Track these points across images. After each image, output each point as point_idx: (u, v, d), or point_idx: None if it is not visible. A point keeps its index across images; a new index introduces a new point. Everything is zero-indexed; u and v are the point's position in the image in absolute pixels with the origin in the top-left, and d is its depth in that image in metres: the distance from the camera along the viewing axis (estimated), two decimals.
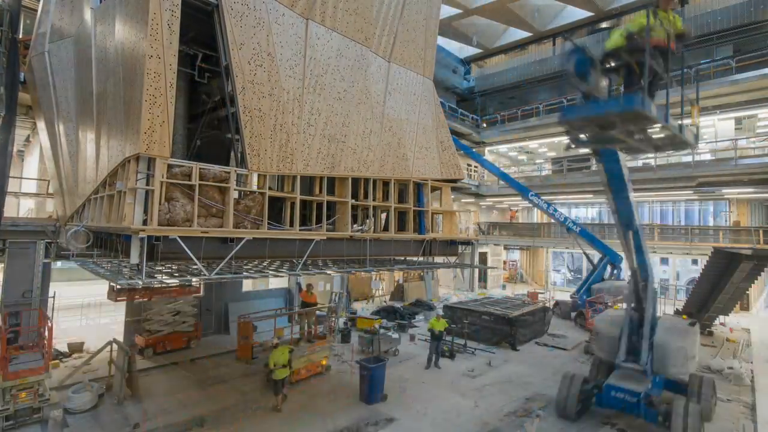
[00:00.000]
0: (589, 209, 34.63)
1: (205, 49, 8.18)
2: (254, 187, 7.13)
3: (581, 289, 20.47)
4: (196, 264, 6.01)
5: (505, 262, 34.91)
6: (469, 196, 29.98)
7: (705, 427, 8.51)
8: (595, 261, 21.25)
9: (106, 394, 9.96)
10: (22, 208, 15.44)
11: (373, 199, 8.97)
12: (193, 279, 5.97)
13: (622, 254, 15.06)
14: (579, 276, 32.22)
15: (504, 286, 30.92)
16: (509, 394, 10.97)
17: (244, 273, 7.33)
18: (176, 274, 7.90)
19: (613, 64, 6.38)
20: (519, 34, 29.20)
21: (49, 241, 11.34)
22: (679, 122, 6.73)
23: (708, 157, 20.93)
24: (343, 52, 8.30)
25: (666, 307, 22.32)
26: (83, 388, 9.61)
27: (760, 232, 19.62)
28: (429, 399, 10.40)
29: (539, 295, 23.86)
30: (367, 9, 8.74)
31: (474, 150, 29.58)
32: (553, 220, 23.59)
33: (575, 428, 9.17)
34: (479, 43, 29.62)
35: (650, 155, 25.71)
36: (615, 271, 20.47)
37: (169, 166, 6.14)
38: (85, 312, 17.86)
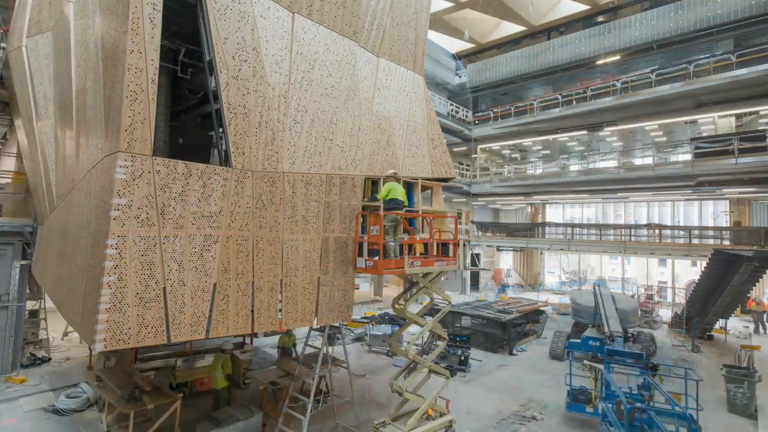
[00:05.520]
0: (585, 209, 34.62)
1: (188, 43, 7.94)
2: None
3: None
4: None
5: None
6: (462, 196, 29.79)
7: None
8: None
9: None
10: None
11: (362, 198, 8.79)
12: None
13: None
14: (575, 280, 31.94)
15: (503, 289, 30.51)
16: (503, 400, 10.88)
17: None
18: None
19: None
20: (513, 28, 29.03)
21: (27, 242, 11.06)
22: None
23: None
24: (331, 46, 8.09)
25: (665, 310, 22.38)
26: (75, 393, 9.70)
27: (762, 232, 19.26)
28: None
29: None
30: (356, 2, 8.53)
31: (464, 147, 29.46)
32: (547, 220, 23.01)
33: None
34: (471, 37, 29.39)
35: (648, 153, 25.76)
36: None
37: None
38: None
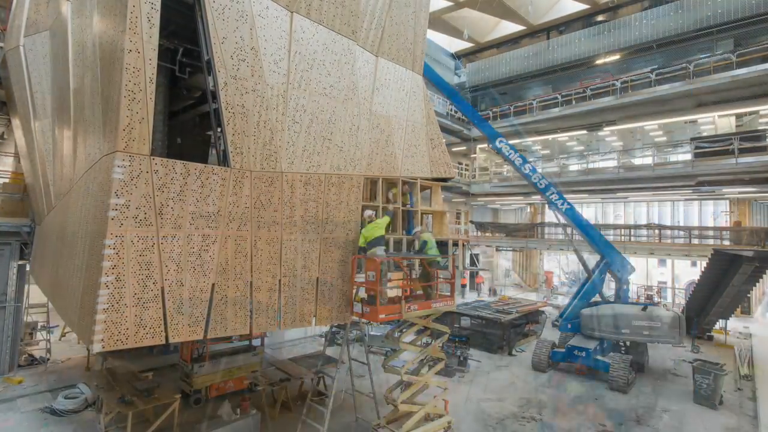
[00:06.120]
0: (584, 209, 34.47)
1: (187, 43, 7.92)
2: None
3: (566, 311, 14.68)
4: None
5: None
6: (461, 196, 29.72)
7: None
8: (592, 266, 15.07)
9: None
10: None
11: (361, 199, 8.77)
12: None
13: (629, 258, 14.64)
14: (575, 281, 31.56)
15: (501, 290, 30.21)
16: (502, 401, 10.85)
17: None
18: None
19: None
20: (512, 27, 28.96)
21: (24, 242, 11.03)
22: None
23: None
24: (329, 46, 8.07)
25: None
26: (73, 393, 9.71)
27: (762, 233, 19.11)
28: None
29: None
30: (355, 1, 8.50)
31: (463, 147, 29.45)
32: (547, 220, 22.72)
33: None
34: (470, 37, 29.34)
35: (647, 152, 25.70)
36: (621, 286, 14.23)
37: None
38: None
